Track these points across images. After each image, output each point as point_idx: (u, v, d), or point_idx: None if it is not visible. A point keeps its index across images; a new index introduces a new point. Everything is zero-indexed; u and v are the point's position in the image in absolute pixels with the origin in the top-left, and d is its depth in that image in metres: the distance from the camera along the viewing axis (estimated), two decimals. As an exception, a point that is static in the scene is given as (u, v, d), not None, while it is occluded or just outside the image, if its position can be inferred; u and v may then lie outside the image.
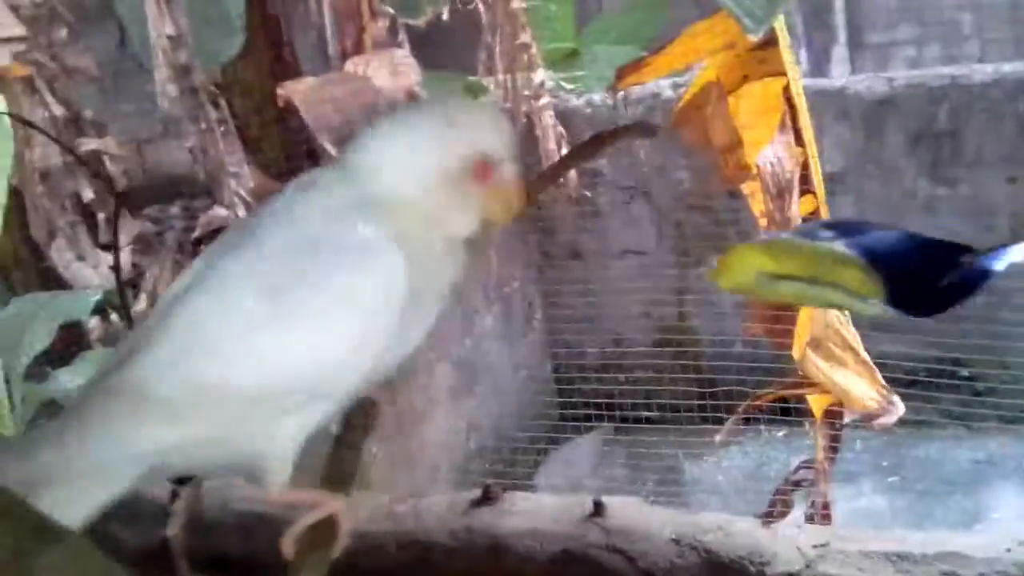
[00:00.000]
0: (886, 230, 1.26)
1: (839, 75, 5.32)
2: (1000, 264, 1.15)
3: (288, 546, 1.07)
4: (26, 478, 0.96)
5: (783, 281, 1.19)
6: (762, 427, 4.34)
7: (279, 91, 3.45)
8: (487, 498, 2.06)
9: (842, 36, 5.80)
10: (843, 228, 1.24)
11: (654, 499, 3.99)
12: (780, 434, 4.44)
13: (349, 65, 3.96)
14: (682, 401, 4.12)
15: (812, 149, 2.26)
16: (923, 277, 1.17)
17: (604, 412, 4.31)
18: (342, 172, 1.10)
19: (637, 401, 4.35)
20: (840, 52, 5.77)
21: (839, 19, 5.77)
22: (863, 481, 4.05)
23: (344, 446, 1.18)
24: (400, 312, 1.04)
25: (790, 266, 1.20)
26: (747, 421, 3.66)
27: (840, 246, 1.20)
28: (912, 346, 3.63)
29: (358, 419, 1.20)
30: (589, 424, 4.38)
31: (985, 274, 1.15)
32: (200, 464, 1.09)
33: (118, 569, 0.74)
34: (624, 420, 4.41)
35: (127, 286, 2.32)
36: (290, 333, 1.02)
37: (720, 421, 3.57)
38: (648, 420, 4.32)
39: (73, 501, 1.00)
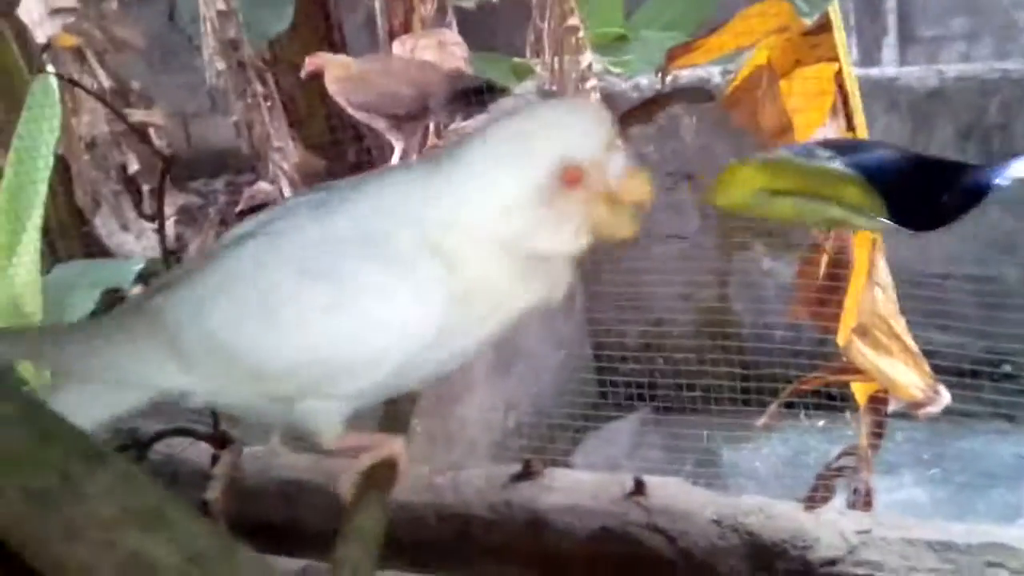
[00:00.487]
0: (883, 148, 1.24)
1: (889, 66, 5.27)
2: (1002, 179, 1.13)
3: (346, 488, 1.06)
4: (53, 363, 1.01)
5: (781, 197, 1.17)
6: (802, 415, 4.31)
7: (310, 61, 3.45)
8: (527, 473, 2.07)
9: (893, 28, 5.73)
10: (840, 147, 1.24)
11: (691, 483, 3.99)
12: (820, 423, 4.41)
13: (397, 44, 3.96)
14: (722, 384, 4.11)
15: (863, 134, 2.24)
16: (923, 193, 1.17)
17: (644, 393, 4.29)
18: (425, 178, 1.03)
19: (677, 383, 4.33)
20: (890, 44, 5.71)
21: (890, 11, 5.70)
22: (904, 472, 4.01)
23: (394, 405, 1.17)
24: (437, 333, 0.99)
25: (789, 183, 1.18)
26: (787, 407, 3.63)
27: (839, 164, 1.19)
28: (957, 336, 3.60)
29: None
30: (628, 406, 4.36)
31: (985, 188, 1.14)
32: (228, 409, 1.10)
33: (161, 490, 0.74)
34: (663, 403, 4.39)
35: (170, 257, 2.34)
36: (308, 322, 0.99)
37: (760, 406, 3.55)
38: (687, 404, 4.30)
39: (90, 402, 1.00)
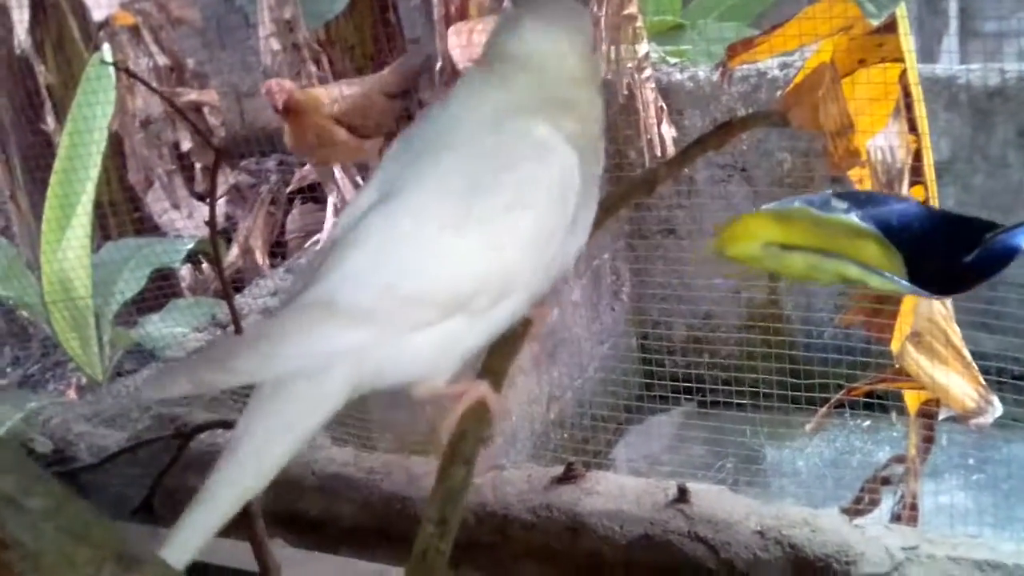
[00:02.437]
0: (903, 202, 1.20)
1: (948, 62, 5.19)
2: None
3: (442, 434, 1.08)
4: (225, 383, 1.03)
5: (793, 252, 1.13)
6: (846, 415, 4.26)
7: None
8: (569, 476, 2.05)
9: (953, 23, 5.65)
10: (857, 199, 1.18)
11: (733, 480, 3.96)
12: (864, 423, 4.37)
13: (452, 32, 3.94)
14: (768, 381, 4.06)
15: (926, 139, 2.19)
16: (944, 253, 1.11)
17: (689, 387, 4.25)
18: (500, 76, 1.11)
19: (723, 380, 4.29)
20: (951, 38, 5.62)
21: (952, 6, 5.62)
22: (947, 477, 3.96)
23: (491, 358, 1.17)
24: (572, 213, 1.08)
25: (801, 237, 1.14)
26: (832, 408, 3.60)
27: (855, 217, 1.14)
28: (1006, 340, 3.54)
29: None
30: (671, 400, 4.33)
31: (1011, 251, 1.08)
32: (382, 375, 1.08)
33: (95, 515, 0.72)
34: (707, 399, 4.36)
35: (219, 236, 2.34)
36: (477, 234, 1.04)
37: (806, 405, 3.52)
38: (731, 400, 4.26)
39: (281, 425, 1.03)
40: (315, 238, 3.91)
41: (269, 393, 1.03)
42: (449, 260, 1.04)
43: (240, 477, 1.01)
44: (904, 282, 1.11)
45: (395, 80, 3.73)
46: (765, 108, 1.75)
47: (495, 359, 1.15)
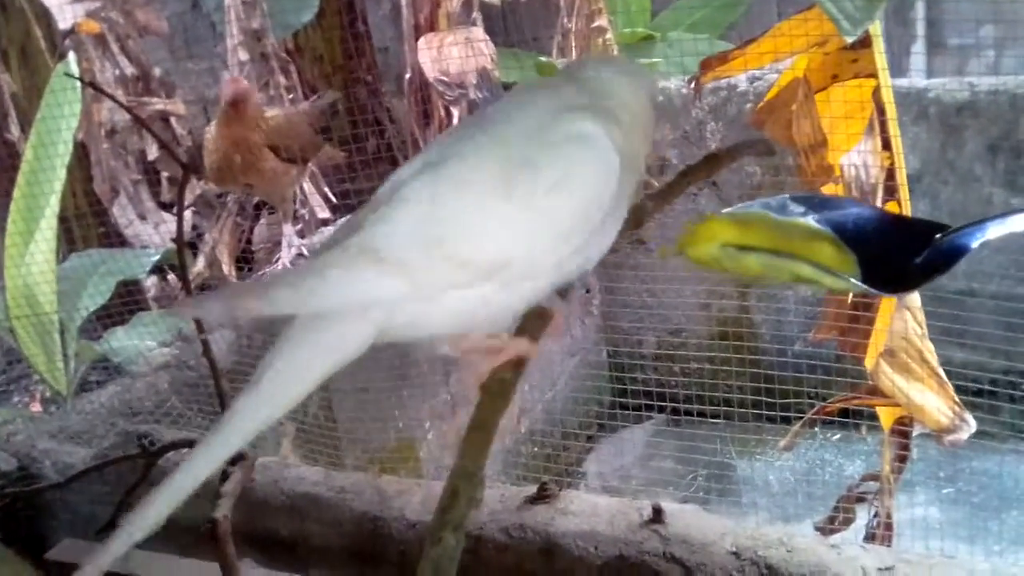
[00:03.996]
0: (858, 206, 1.24)
1: (916, 75, 5.21)
2: (974, 241, 1.13)
3: (474, 388, 1.15)
4: (262, 316, 1.04)
5: (749, 253, 1.17)
6: (817, 429, 4.27)
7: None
8: (542, 495, 2.02)
9: (921, 35, 5.67)
10: (813, 203, 1.22)
11: (703, 495, 3.94)
12: (834, 437, 4.37)
13: (423, 42, 3.93)
14: (737, 396, 4.06)
15: (900, 157, 2.19)
16: (896, 254, 1.16)
17: (657, 403, 4.25)
18: (572, 80, 1.21)
19: (692, 394, 4.29)
20: (918, 52, 5.64)
21: (919, 19, 5.64)
22: (918, 491, 3.96)
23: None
24: (604, 211, 1.12)
25: (758, 238, 1.18)
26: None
27: (811, 220, 1.18)
28: (976, 355, 3.54)
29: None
30: (642, 414, 4.32)
31: (959, 251, 1.13)
32: (407, 327, 1.12)
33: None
34: (677, 412, 4.35)
35: (185, 247, 2.31)
36: (519, 206, 1.09)
37: (776, 420, 3.51)
38: (702, 414, 4.26)
39: (306, 360, 1.06)
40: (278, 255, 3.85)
41: (298, 331, 1.06)
42: (492, 225, 1.09)
43: (257, 408, 1.04)
44: (856, 281, 1.15)
45: (314, 114, 3.65)
46: (750, 138, 1.75)
47: (529, 322, 1.19)
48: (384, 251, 1.06)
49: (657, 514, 1.88)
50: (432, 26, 4.10)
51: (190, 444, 1.96)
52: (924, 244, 1.13)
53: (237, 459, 1.71)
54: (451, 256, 1.07)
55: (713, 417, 4.20)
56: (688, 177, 1.35)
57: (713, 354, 4.38)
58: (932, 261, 1.13)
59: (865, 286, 1.14)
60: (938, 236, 1.13)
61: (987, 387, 3.83)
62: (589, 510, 1.97)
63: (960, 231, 1.13)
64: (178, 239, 1.72)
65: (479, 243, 1.09)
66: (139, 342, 3.41)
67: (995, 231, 1.13)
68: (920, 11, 5.64)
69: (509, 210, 1.09)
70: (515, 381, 1.14)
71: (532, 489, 2.05)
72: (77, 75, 3.46)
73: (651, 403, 4.15)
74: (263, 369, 1.05)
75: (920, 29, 5.66)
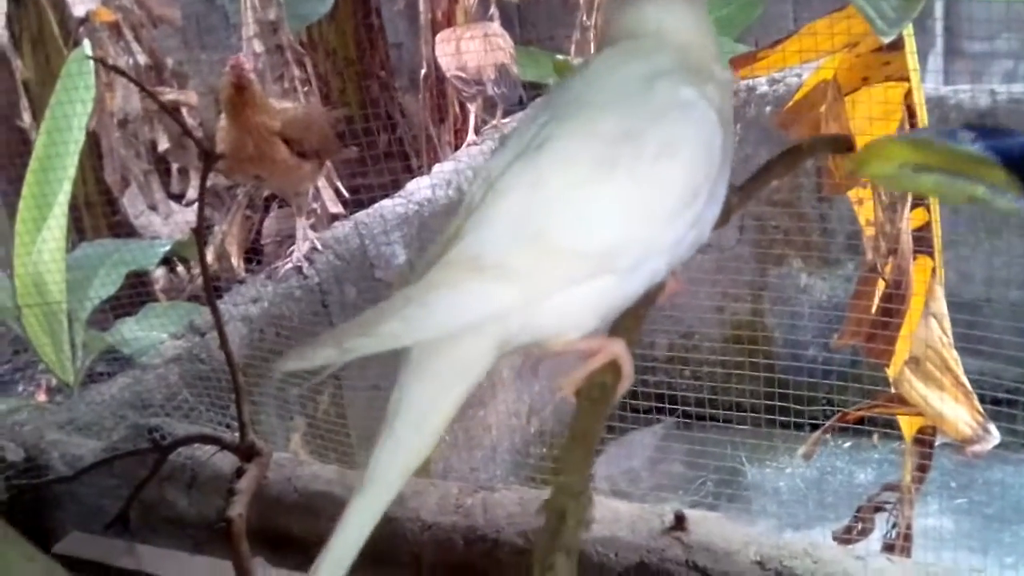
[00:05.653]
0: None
1: (933, 81, 5.19)
2: None
3: (570, 392, 1.07)
4: (366, 350, 0.96)
5: (927, 173, 1.15)
6: (828, 436, 4.23)
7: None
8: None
9: (939, 42, 5.64)
10: (983, 133, 1.21)
11: (712, 500, 3.91)
12: (845, 445, 4.35)
13: (440, 38, 3.91)
14: (749, 401, 4.02)
15: (931, 161, 2.15)
16: None
17: (668, 405, 4.22)
18: (635, 49, 1.11)
19: (702, 397, 4.26)
20: (936, 57, 5.62)
21: (937, 25, 5.61)
22: (931, 501, 3.93)
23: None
24: (713, 178, 1.05)
25: (934, 159, 1.16)
26: (814, 427, 3.56)
27: (979, 148, 1.17)
28: (992, 363, 3.51)
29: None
30: (652, 416, 4.29)
31: None
32: (526, 333, 1.04)
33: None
34: (688, 415, 4.32)
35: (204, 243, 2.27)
36: (626, 184, 1.01)
37: (788, 426, 3.48)
38: (713, 418, 4.22)
39: (431, 396, 1.00)
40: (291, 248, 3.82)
41: (416, 364, 1.00)
42: (599, 209, 1.01)
43: (396, 453, 0.98)
44: None
45: (335, 117, 3.61)
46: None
47: (627, 319, 1.11)
48: (483, 257, 0.99)
49: (679, 521, 1.85)
50: (449, 22, 4.08)
51: (202, 439, 1.93)
52: None
53: (252, 455, 1.67)
54: (560, 248, 1.00)
55: (724, 421, 4.17)
56: (770, 172, 1.30)
57: (725, 358, 4.34)
58: None
59: None
60: None
61: (1004, 395, 3.80)
62: (609, 515, 1.93)
63: None
64: (198, 227, 1.68)
65: (588, 229, 1.01)
66: (150, 333, 3.38)
67: None
68: (939, 18, 5.61)
69: (617, 188, 1.01)
70: (615, 385, 1.06)
71: (547, 492, 2.02)
72: (91, 64, 3.43)
73: (661, 406, 4.12)
74: (393, 413, 0.99)
75: (938, 35, 5.63)
